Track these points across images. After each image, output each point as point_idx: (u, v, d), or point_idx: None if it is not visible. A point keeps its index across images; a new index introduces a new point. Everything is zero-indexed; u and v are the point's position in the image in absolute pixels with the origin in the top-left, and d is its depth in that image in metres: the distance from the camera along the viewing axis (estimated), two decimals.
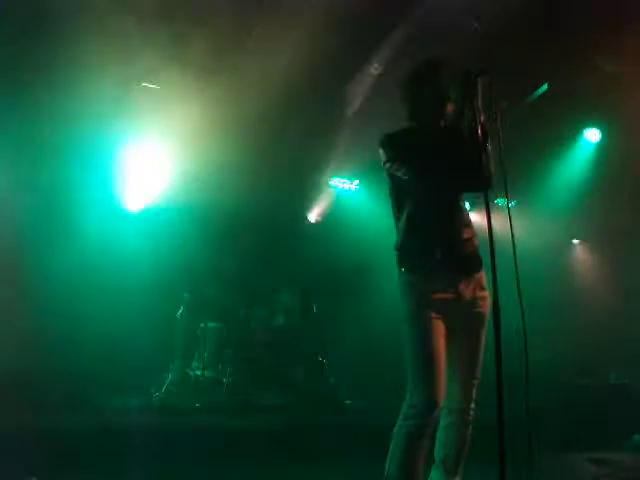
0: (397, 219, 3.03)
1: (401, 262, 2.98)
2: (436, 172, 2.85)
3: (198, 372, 6.22)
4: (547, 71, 6.48)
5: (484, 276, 2.94)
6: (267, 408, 5.75)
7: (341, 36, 5.63)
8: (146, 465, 4.11)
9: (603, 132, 7.90)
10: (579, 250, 9.37)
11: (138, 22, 5.42)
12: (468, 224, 2.98)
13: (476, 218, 3.23)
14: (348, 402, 6.36)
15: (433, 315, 2.84)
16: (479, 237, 2.98)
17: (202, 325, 6.38)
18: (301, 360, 6.10)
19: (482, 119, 2.72)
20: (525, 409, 2.63)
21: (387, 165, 2.96)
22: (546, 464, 4.48)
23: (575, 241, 9.37)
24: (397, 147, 2.95)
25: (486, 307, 2.90)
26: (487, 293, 2.91)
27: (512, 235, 2.64)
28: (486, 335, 2.92)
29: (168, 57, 5.82)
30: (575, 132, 7.96)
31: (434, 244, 2.89)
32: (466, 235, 2.94)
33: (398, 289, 2.96)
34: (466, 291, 2.90)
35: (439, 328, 2.84)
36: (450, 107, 2.92)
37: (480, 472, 2.99)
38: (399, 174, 2.92)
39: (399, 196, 3.01)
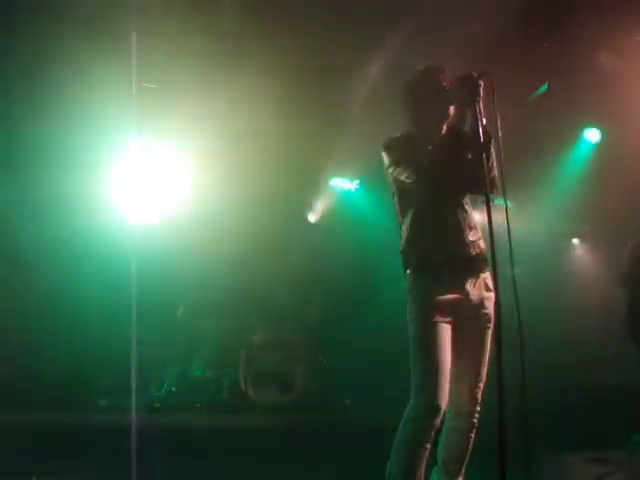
0: (401, 223, 3.02)
1: (406, 265, 2.97)
2: (439, 175, 2.85)
3: (198, 372, 6.22)
4: (547, 71, 6.48)
5: (489, 276, 2.94)
6: (267, 408, 5.74)
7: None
8: (146, 465, 4.11)
9: (603, 132, 7.89)
10: (579, 250, 9.36)
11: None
12: (474, 227, 2.97)
13: (477, 218, 3.22)
14: (348, 402, 6.37)
15: (439, 317, 2.82)
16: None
17: (202, 325, 6.38)
18: (301, 360, 6.10)
19: (484, 122, 2.71)
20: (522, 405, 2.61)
21: (390, 169, 2.96)
22: (546, 464, 4.49)
23: (575, 241, 9.36)
24: (400, 151, 2.94)
25: (492, 308, 2.87)
26: (493, 294, 2.89)
27: (509, 234, 2.60)
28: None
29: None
30: (575, 132, 7.95)
31: (439, 246, 2.89)
32: (472, 237, 2.93)
33: (404, 291, 2.95)
34: (473, 291, 2.89)
35: (445, 331, 2.82)
36: (452, 111, 2.91)
37: (480, 472, 2.99)
38: (402, 178, 2.92)
39: (402, 200, 3.00)
